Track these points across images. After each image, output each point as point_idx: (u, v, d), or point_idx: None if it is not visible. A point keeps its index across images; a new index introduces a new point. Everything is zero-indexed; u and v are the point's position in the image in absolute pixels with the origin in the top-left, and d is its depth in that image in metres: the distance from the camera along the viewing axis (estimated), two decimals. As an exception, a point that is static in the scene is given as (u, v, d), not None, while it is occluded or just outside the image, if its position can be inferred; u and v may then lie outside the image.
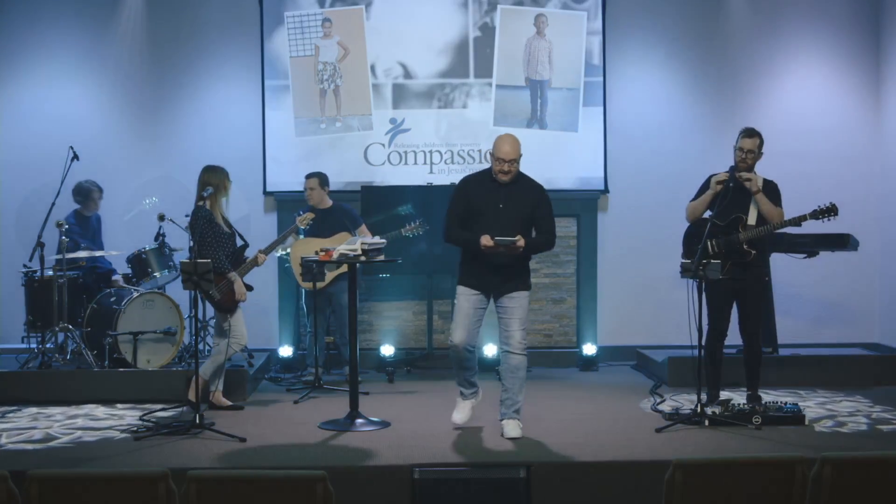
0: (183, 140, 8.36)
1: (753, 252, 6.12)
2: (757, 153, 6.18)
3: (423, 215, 7.57)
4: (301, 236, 7.49)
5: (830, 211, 6.00)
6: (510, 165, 5.48)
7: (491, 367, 7.36)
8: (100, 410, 6.39)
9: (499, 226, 5.43)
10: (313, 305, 7.24)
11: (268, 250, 6.56)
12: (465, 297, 5.56)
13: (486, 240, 5.38)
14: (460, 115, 8.41)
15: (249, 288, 6.41)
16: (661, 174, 8.49)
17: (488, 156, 5.63)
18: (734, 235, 6.14)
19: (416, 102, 8.43)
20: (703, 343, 6.05)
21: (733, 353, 7.61)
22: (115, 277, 7.50)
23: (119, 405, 6.50)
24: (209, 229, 6.12)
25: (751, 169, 6.19)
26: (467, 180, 5.71)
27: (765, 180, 6.24)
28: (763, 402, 6.16)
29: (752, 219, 6.14)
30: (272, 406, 6.60)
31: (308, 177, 7.51)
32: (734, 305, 6.30)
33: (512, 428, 5.53)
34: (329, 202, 7.49)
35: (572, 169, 8.42)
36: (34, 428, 5.87)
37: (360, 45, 8.38)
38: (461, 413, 5.72)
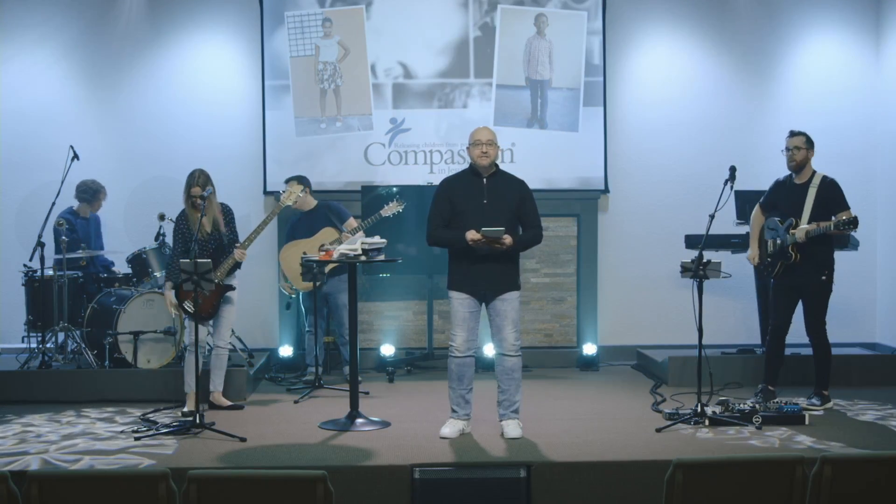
0: (183, 139, 8.34)
1: (796, 255, 6.23)
2: (804, 149, 6.30)
3: (422, 215, 7.57)
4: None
5: (851, 223, 6.04)
6: (488, 146, 5.51)
7: (491, 367, 7.35)
8: (98, 426, 5.92)
9: (485, 222, 5.41)
10: (312, 305, 7.25)
11: (246, 244, 6.39)
12: (459, 302, 5.54)
13: (471, 234, 5.37)
14: (460, 115, 8.40)
15: (231, 287, 6.33)
16: (662, 174, 8.49)
17: (466, 152, 5.68)
18: (785, 237, 6.28)
19: (416, 102, 8.42)
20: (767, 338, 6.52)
21: (733, 352, 7.64)
22: (114, 268, 7.54)
23: (118, 418, 6.20)
24: (176, 234, 6.29)
25: (799, 166, 6.33)
26: (447, 180, 5.72)
27: (822, 181, 6.30)
28: (827, 400, 6.37)
29: (804, 222, 6.23)
30: (272, 406, 6.60)
31: (287, 181, 7.45)
32: (797, 305, 6.44)
33: (512, 428, 5.53)
34: (313, 203, 7.46)
35: (572, 169, 8.42)
36: (26, 453, 5.25)
37: (360, 44, 8.38)
38: (450, 428, 5.57)
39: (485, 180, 5.58)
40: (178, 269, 5.92)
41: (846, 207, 6.22)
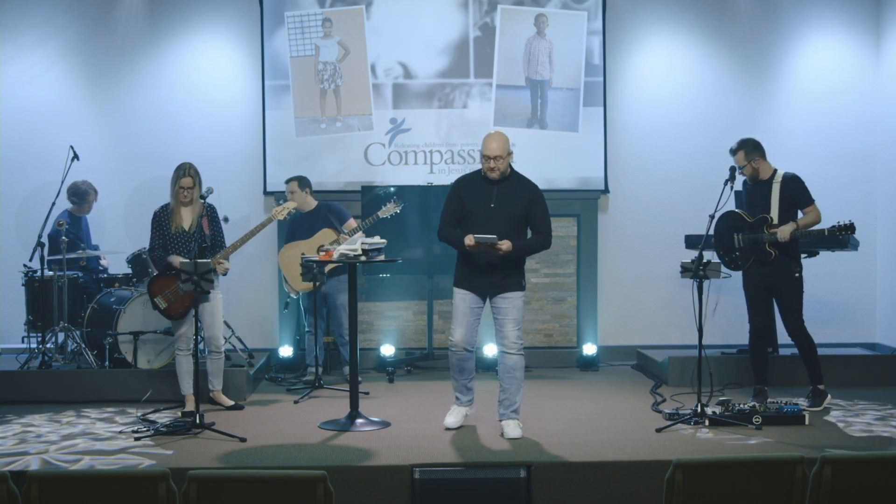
0: (183, 140, 8.32)
1: (775, 253, 6.23)
2: (748, 164, 6.32)
3: (422, 215, 7.59)
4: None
5: (848, 229, 6.05)
6: (496, 162, 5.53)
7: (492, 367, 7.36)
8: (98, 426, 5.92)
9: (489, 225, 5.47)
10: (312, 306, 7.25)
11: (230, 251, 6.33)
12: (461, 298, 5.62)
13: (468, 239, 5.44)
14: (460, 115, 8.40)
15: (206, 292, 5.87)
16: (662, 174, 8.50)
17: (479, 155, 5.69)
18: (759, 234, 6.27)
19: (416, 102, 8.42)
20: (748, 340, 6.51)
21: (733, 352, 7.65)
22: (103, 261, 7.67)
23: (118, 418, 6.19)
24: (155, 225, 6.31)
25: (754, 176, 6.35)
26: (460, 180, 5.78)
27: (784, 177, 6.31)
28: (825, 395, 6.36)
29: (776, 219, 6.25)
30: (272, 406, 6.60)
31: (287, 181, 7.43)
32: (773, 303, 6.45)
33: (512, 428, 5.55)
34: (313, 203, 7.44)
35: (572, 169, 8.42)
36: (26, 453, 5.24)
37: (360, 45, 8.38)
38: (454, 417, 5.76)
39: (496, 183, 5.61)
40: (160, 258, 6.26)
41: (811, 202, 6.25)
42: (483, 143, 5.62)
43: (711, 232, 6.03)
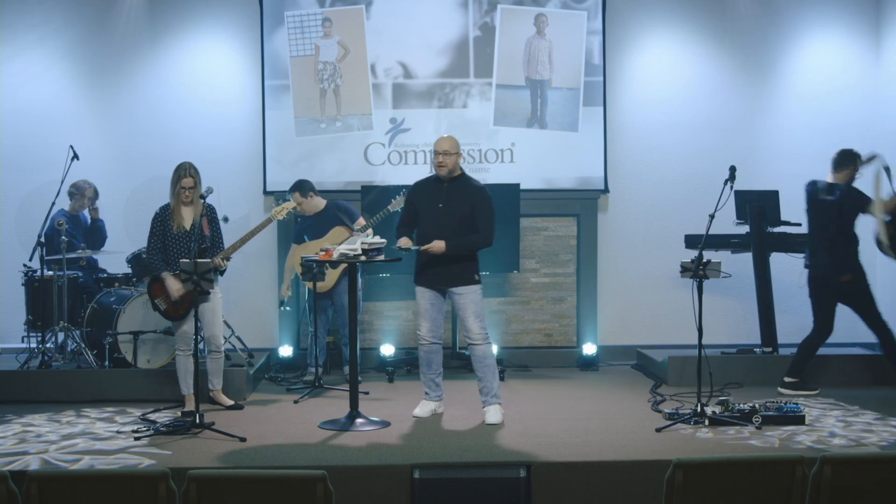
0: (183, 139, 8.33)
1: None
2: None
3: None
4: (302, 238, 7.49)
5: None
6: (444, 157, 5.90)
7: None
8: (98, 426, 5.91)
9: (438, 223, 5.88)
10: (313, 305, 7.23)
11: (229, 252, 6.32)
12: (421, 294, 6.02)
13: (403, 242, 5.91)
14: (460, 114, 8.40)
15: (206, 292, 5.88)
16: (662, 174, 8.49)
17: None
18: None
19: (416, 102, 8.42)
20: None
21: (733, 352, 7.65)
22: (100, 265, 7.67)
23: (118, 418, 6.18)
24: (155, 227, 6.27)
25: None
26: (415, 184, 6.20)
27: None
28: None
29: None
30: (272, 406, 6.60)
31: (290, 193, 7.38)
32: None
33: (492, 414, 5.86)
34: (321, 204, 7.44)
35: (572, 169, 8.42)
36: (25, 453, 5.24)
37: (360, 44, 8.38)
38: (422, 409, 6.09)
39: (445, 185, 5.96)
40: (156, 264, 6.23)
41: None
42: (435, 142, 5.98)
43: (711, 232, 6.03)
